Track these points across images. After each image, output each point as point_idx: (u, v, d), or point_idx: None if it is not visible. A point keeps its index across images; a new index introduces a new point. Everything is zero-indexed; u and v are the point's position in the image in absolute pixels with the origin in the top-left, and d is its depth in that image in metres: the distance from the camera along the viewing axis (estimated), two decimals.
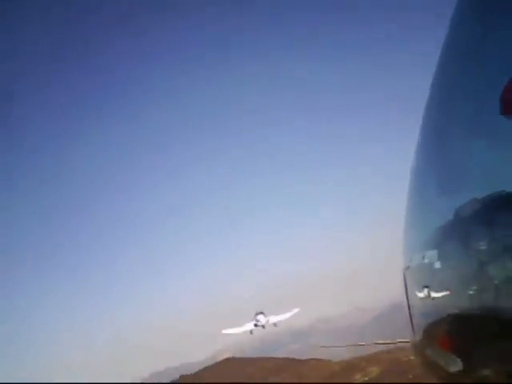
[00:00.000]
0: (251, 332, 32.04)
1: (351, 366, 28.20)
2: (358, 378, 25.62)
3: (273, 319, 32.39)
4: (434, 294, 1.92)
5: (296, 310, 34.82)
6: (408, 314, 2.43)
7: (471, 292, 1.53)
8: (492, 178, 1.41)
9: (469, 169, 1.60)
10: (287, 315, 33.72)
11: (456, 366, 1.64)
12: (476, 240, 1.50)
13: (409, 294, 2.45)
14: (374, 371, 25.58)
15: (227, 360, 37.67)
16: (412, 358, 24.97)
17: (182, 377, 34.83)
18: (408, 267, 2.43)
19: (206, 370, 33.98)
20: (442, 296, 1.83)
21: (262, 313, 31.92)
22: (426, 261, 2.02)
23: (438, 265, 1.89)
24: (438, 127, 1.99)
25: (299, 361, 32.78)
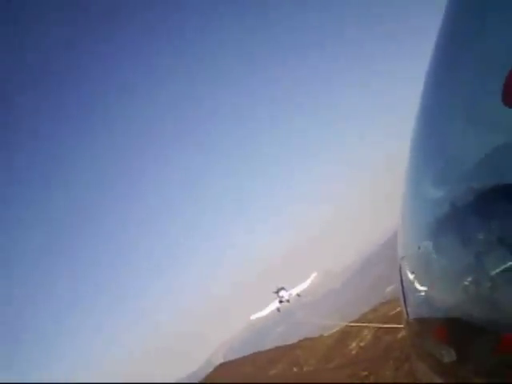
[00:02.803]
0: (278, 310, 31.37)
1: (344, 335, 27.94)
2: (354, 345, 25.26)
3: (295, 291, 31.71)
4: (420, 294, 1.93)
5: (314, 275, 34.31)
6: (403, 302, 2.38)
7: (467, 283, 1.50)
8: (488, 168, 1.42)
9: (465, 159, 1.59)
10: (307, 282, 33.35)
11: (450, 357, 1.63)
12: (472, 231, 1.49)
13: (404, 283, 2.36)
14: (367, 334, 25.30)
15: (221, 366, 36.43)
16: (397, 310, 25.98)
17: None
18: (403, 257, 2.38)
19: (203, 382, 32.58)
20: (436, 287, 1.80)
21: (282, 288, 31.20)
22: (422, 251, 1.96)
23: (433, 255, 1.83)
24: (435, 116, 1.97)
25: (291, 345, 32.23)
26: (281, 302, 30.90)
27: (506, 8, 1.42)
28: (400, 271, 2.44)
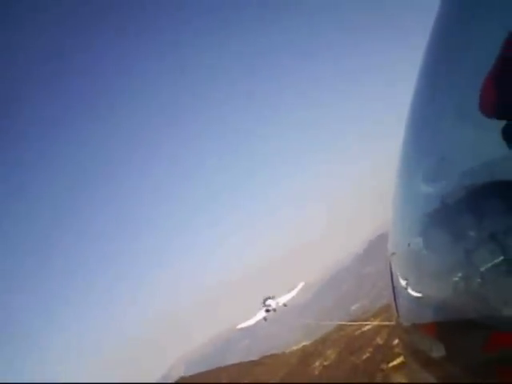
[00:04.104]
0: (265, 319, 30.85)
1: (307, 353, 27.36)
2: (317, 364, 24.67)
3: (282, 300, 31.30)
4: (410, 290, 1.95)
5: (301, 285, 34.30)
6: (393, 299, 2.36)
7: (457, 279, 1.52)
8: (479, 165, 1.44)
9: (456, 156, 1.61)
10: (294, 292, 33.27)
11: (439, 352, 1.65)
12: (462, 227, 1.51)
13: (394, 279, 2.36)
14: (331, 354, 24.78)
15: (181, 380, 35.17)
16: (363, 330, 25.68)
17: None
18: (394, 253, 2.41)
19: None
20: (426, 283, 1.82)
21: (270, 297, 30.89)
22: (412, 247, 2.01)
23: (423, 252, 1.88)
24: (426, 114, 2.01)
25: (253, 363, 31.39)
26: (267, 311, 30.65)
27: (495, 10, 1.45)
28: (390, 268, 2.47)
